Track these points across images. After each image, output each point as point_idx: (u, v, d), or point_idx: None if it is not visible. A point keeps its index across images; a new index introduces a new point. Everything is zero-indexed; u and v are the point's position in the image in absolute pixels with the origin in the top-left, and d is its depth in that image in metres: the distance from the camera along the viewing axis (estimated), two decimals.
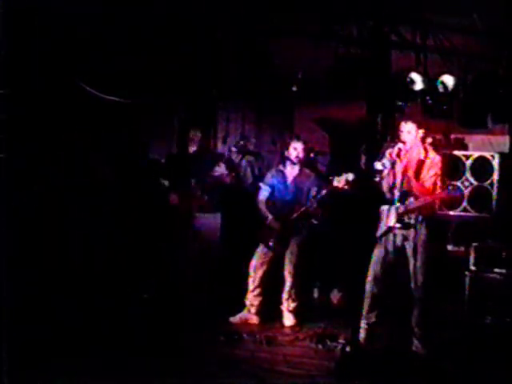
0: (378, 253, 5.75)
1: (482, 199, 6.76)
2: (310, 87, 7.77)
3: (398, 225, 5.61)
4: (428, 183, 5.60)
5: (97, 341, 5.51)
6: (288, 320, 6.59)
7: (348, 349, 5.43)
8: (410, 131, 5.66)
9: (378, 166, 5.71)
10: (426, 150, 5.73)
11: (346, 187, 6.24)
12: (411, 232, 5.60)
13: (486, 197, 6.78)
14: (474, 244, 6.56)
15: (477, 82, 5.52)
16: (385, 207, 5.72)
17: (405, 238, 5.66)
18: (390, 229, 5.65)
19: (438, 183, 5.69)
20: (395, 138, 6.96)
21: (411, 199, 5.61)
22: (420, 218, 5.60)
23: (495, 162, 6.81)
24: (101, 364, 5.06)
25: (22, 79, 4.70)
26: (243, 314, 6.61)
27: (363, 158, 7.12)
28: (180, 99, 5.59)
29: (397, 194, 5.68)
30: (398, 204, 5.64)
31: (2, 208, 3.99)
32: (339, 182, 6.25)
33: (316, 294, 7.36)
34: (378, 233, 5.72)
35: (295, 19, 4.95)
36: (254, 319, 6.60)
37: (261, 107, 9.35)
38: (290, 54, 6.09)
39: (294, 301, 6.62)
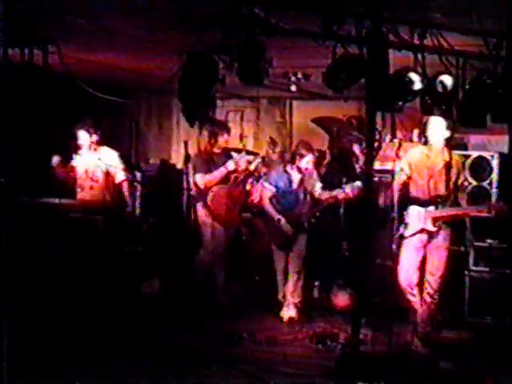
0: (408, 254, 5.81)
1: (481, 199, 6.74)
2: (309, 87, 7.78)
3: (433, 228, 5.73)
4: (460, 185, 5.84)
5: (97, 340, 5.51)
6: (292, 312, 6.73)
7: (348, 349, 5.43)
8: (440, 128, 5.70)
9: (397, 168, 5.88)
10: (449, 150, 5.83)
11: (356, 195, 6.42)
12: (436, 232, 5.75)
13: (485, 197, 6.76)
14: (474, 244, 6.57)
15: (476, 81, 5.51)
16: (415, 208, 5.78)
17: (429, 239, 5.78)
18: (422, 230, 5.75)
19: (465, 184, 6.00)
20: (393, 137, 7.02)
21: (445, 203, 5.76)
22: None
23: (494, 162, 6.82)
24: (100, 364, 5.06)
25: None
26: (287, 312, 6.77)
27: (362, 159, 7.12)
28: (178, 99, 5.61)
29: (427, 196, 5.80)
30: (431, 207, 5.74)
31: None
32: (352, 189, 6.45)
33: (316, 294, 7.35)
34: (408, 233, 5.78)
35: (294, 19, 4.94)
36: (296, 314, 6.77)
37: (260, 107, 9.37)
38: (289, 53, 6.09)
39: (298, 296, 6.78)
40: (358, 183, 6.45)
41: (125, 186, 6.94)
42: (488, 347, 5.74)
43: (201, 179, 6.86)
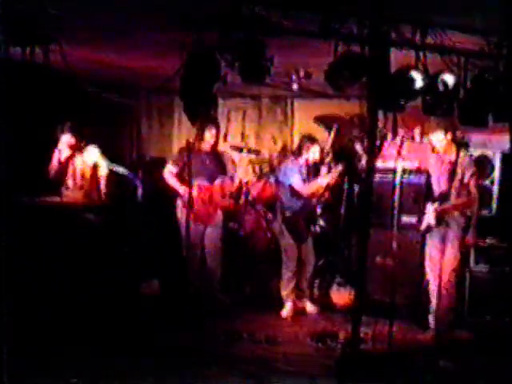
0: (428, 250, 6.19)
1: (482, 198, 6.74)
2: (311, 86, 7.76)
3: (433, 222, 6.04)
4: (471, 183, 6.01)
5: (97, 341, 5.51)
6: (313, 306, 7.00)
7: (348, 347, 5.42)
8: (440, 140, 6.02)
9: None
10: (457, 149, 6.07)
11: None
12: (447, 228, 6.00)
13: (487, 195, 6.76)
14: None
15: (477, 80, 5.51)
16: (429, 205, 6.12)
17: (442, 234, 6.04)
18: (428, 226, 6.08)
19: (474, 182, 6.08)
20: (395, 135, 7.02)
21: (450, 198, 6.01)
22: (455, 215, 6.00)
23: (496, 161, 6.82)
24: (100, 364, 5.06)
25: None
26: (301, 303, 6.97)
27: (364, 157, 7.11)
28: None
29: (437, 192, 6.14)
30: (436, 203, 6.05)
31: None
32: (336, 172, 6.87)
33: (316, 292, 7.34)
34: (422, 228, 6.18)
35: (295, 17, 4.94)
36: (310, 306, 7.00)
37: (261, 106, 9.35)
38: (291, 51, 6.08)
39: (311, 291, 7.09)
40: (338, 167, 6.87)
41: (103, 181, 6.95)
42: (488, 347, 5.75)
43: (167, 170, 6.97)
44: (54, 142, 6.83)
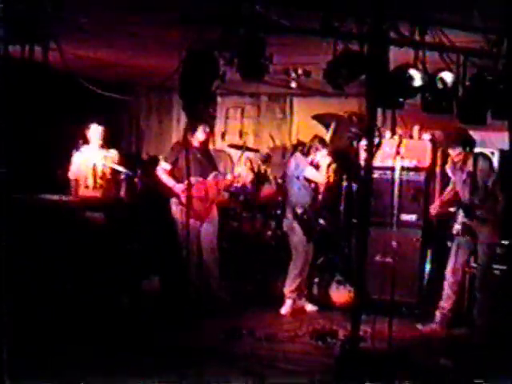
0: (454, 254, 6.28)
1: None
2: (309, 84, 7.77)
3: (458, 227, 6.16)
4: (495, 189, 6.10)
5: (97, 340, 5.51)
6: (311, 306, 7.04)
7: (347, 346, 5.43)
8: (459, 153, 6.15)
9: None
10: (475, 159, 6.14)
11: None
12: (477, 231, 6.09)
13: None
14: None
15: (476, 78, 5.52)
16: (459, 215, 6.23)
17: (473, 236, 6.16)
18: (457, 231, 6.20)
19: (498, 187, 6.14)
20: (394, 133, 7.03)
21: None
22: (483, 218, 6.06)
23: (495, 159, 6.83)
24: (101, 363, 5.05)
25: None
26: (300, 302, 7.00)
27: (362, 155, 7.13)
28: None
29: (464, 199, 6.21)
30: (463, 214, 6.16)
31: None
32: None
33: (315, 291, 7.34)
34: (454, 231, 6.25)
35: (295, 15, 4.94)
36: (310, 306, 7.03)
37: (260, 103, 9.36)
38: (290, 50, 6.08)
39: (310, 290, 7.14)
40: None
41: (124, 184, 6.96)
42: (488, 345, 5.76)
43: (160, 168, 6.95)
44: (70, 141, 6.83)
